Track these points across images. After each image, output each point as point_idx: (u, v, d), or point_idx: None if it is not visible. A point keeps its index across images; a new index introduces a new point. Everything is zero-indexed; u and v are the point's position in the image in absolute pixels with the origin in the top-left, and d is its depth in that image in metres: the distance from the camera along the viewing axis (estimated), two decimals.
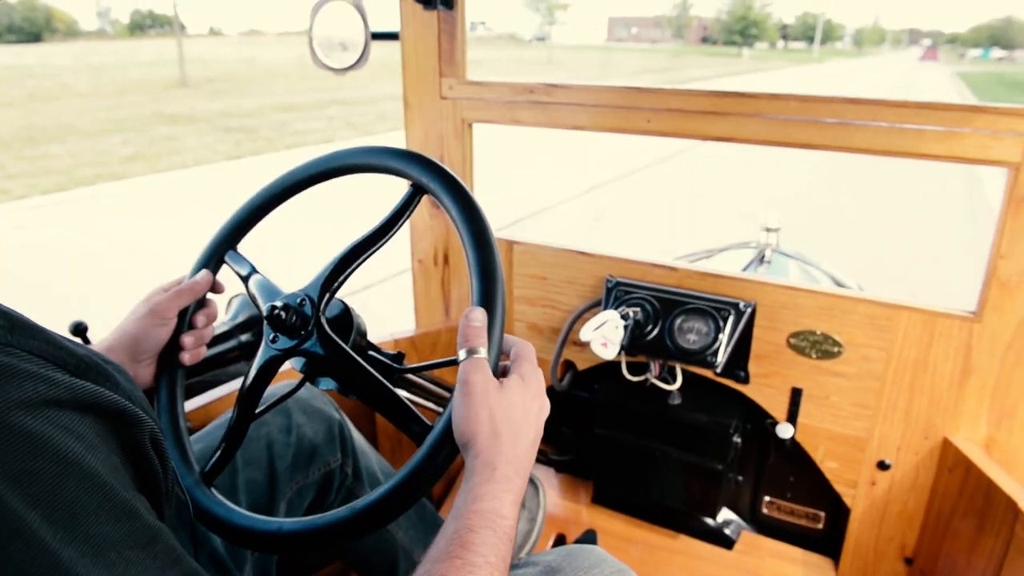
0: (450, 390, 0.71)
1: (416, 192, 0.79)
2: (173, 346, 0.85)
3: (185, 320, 0.87)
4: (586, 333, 1.28)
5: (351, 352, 0.75)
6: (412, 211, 0.79)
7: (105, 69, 24.06)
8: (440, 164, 0.77)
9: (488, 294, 0.68)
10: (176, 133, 11.22)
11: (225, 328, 1.06)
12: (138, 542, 0.44)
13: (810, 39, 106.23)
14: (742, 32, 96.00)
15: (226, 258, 0.89)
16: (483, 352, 0.66)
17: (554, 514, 1.60)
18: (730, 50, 79.21)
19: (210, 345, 0.94)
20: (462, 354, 0.66)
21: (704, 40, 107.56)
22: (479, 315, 0.67)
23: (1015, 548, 1.04)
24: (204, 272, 0.87)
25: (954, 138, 1.10)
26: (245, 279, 0.87)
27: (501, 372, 0.69)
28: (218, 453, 0.80)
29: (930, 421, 1.24)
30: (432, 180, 0.76)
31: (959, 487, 1.20)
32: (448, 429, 0.65)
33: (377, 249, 0.79)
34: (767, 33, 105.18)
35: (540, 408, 0.69)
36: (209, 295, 0.90)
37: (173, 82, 18.72)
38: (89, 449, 0.44)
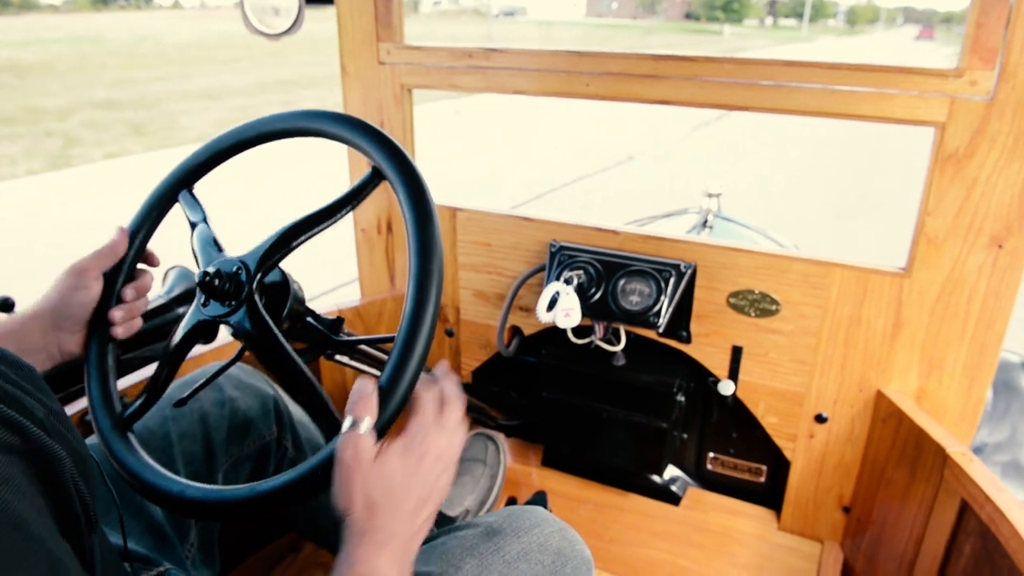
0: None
1: (375, 176, 0.77)
2: (103, 317, 0.82)
3: (114, 291, 0.84)
4: (543, 315, 1.29)
5: (277, 333, 0.74)
6: (368, 194, 0.78)
7: None
8: (394, 142, 0.75)
9: (417, 317, 0.67)
10: None
11: (161, 301, 1.05)
12: None
13: (800, 16, 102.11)
14: (724, 7, 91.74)
15: (180, 198, 0.86)
16: (364, 427, 0.64)
17: (505, 477, 1.62)
18: (713, 27, 75.31)
19: (147, 319, 0.91)
20: (345, 424, 0.65)
21: (688, 16, 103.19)
22: (369, 388, 0.65)
23: (944, 492, 1.08)
24: (119, 231, 0.85)
25: (884, 99, 1.12)
26: (193, 226, 0.84)
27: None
28: (138, 401, 0.79)
29: (864, 375, 1.28)
30: (383, 159, 0.74)
31: (892, 437, 1.24)
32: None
33: (325, 228, 0.77)
34: (750, 8, 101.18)
35: (435, 462, 0.67)
36: (142, 266, 0.88)
37: None
38: (16, 494, 0.42)
